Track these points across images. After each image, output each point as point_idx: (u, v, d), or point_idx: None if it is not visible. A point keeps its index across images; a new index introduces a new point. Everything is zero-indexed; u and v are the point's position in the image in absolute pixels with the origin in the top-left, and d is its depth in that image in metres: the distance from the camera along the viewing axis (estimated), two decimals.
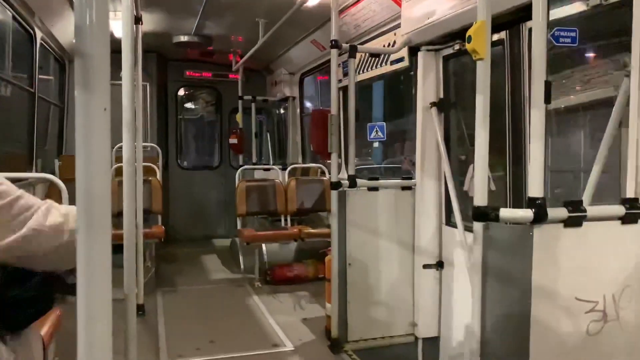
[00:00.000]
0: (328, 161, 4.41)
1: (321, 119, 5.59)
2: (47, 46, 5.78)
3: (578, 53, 3.25)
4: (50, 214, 1.37)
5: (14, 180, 3.52)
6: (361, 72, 5.22)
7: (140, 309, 4.53)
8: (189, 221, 8.86)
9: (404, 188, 4.41)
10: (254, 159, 8.23)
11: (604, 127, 2.64)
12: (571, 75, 3.35)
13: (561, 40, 2.53)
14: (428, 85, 4.22)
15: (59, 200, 3.86)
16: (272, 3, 5.39)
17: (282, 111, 9.26)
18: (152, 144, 7.28)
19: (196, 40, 7.08)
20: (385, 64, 4.80)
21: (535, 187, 2.16)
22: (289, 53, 7.45)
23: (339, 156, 4.63)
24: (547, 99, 2.11)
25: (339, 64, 4.62)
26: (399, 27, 4.28)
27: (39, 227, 1.33)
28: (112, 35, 0.85)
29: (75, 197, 0.79)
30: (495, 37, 3.40)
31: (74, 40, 0.82)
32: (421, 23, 3.89)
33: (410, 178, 4.45)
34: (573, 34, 2.53)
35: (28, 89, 5.25)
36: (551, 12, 2.52)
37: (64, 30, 5.91)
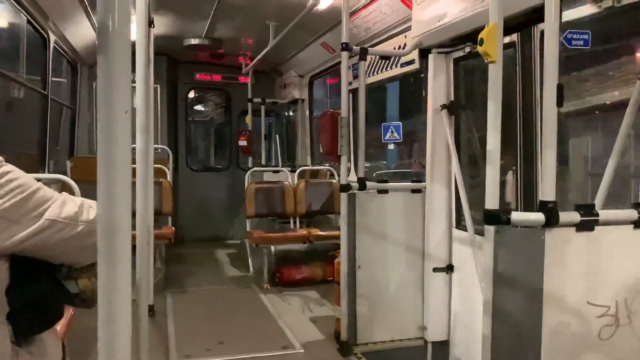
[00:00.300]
0: (337, 163, 4.42)
1: (331, 121, 5.60)
2: (59, 49, 5.84)
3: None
4: (66, 204, 1.40)
5: None
6: (371, 74, 5.23)
7: (150, 309, 4.56)
8: (198, 222, 8.90)
9: (413, 191, 4.40)
10: (263, 161, 8.26)
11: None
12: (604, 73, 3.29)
13: (573, 42, 2.53)
14: (438, 88, 4.21)
15: None
16: (282, 6, 5.41)
17: (291, 113, 9.29)
18: (163, 146, 7.33)
19: (207, 43, 7.13)
20: (396, 66, 4.80)
21: (547, 191, 2.15)
22: (298, 56, 7.47)
23: (349, 159, 4.63)
24: (560, 102, 2.11)
25: (349, 67, 4.63)
26: (410, 29, 4.28)
27: (55, 217, 1.36)
28: None
29: (97, 198, 0.81)
30: (507, 39, 3.39)
31: (96, 42, 0.83)
32: (432, 25, 3.89)
33: (420, 181, 4.44)
34: (585, 37, 2.52)
35: (41, 91, 5.31)
36: (564, 13, 2.52)
37: (77, 33, 5.97)
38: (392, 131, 4.58)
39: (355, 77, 4.94)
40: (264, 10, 5.73)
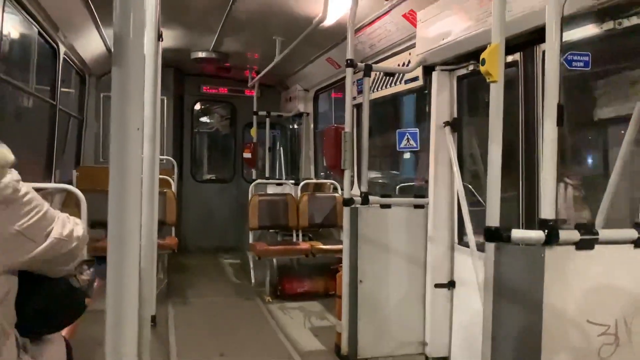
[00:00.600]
0: (341, 177, 4.45)
1: (335, 135, 5.65)
2: (69, 60, 5.93)
3: None
4: (65, 224, 1.54)
5: (35, 190, 3.60)
6: (376, 89, 5.28)
7: (152, 319, 4.57)
8: (201, 233, 8.92)
9: (416, 206, 4.42)
10: (267, 173, 8.31)
11: None
12: None
13: (574, 64, 2.57)
14: (442, 105, 4.25)
15: (77, 209, 3.94)
16: (289, 22, 5.49)
17: (295, 126, 9.35)
18: (168, 157, 7.39)
19: (214, 57, 7.22)
20: (400, 82, 4.86)
21: (547, 209, 2.18)
22: (304, 70, 7.55)
23: (352, 172, 4.65)
24: (560, 122, 2.14)
25: (354, 82, 4.68)
26: (414, 46, 4.34)
27: (59, 236, 1.50)
28: None
29: (108, 208, 0.85)
30: (510, 58, 3.44)
31: (105, 54, 0.88)
32: (436, 43, 3.95)
33: (423, 196, 4.47)
34: (586, 58, 2.57)
35: (50, 101, 5.38)
36: (566, 33, 2.56)
37: (86, 45, 6.07)
38: (408, 138, 4.43)
39: (360, 92, 4.99)
40: (271, 25, 5.82)
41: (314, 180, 7.84)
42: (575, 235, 2.25)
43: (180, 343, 4.67)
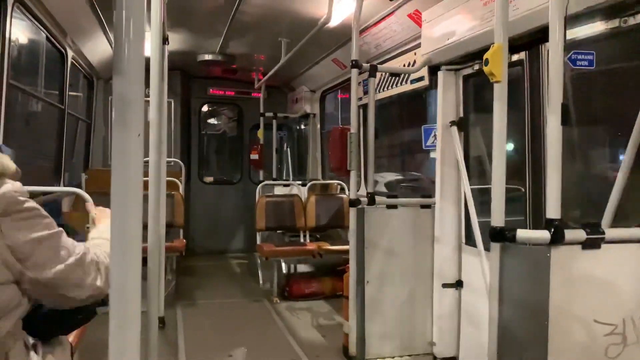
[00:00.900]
0: (347, 178, 4.45)
1: (340, 136, 5.64)
2: (77, 64, 5.99)
3: None
4: (75, 245, 1.52)
5: (43, 193, 3.63)
6: (381, 90, 5.28)
7: (160, 321, 4.60)
8: (208, 235, 8.96)
9: (423, 206, 4.42)
10: (274, 175, 8.33)
11: None
12: None
13: (578, 63, 2.56)
14: (448, 104, 4.25)
15: (85, 212, 3.98)
16: (294, 23, 5.51)
17: (302, 127, 9.37)
18: (176, 159, 7.43)
19: (220, 59, 7.25)
20: (405, 82, 4.86)
21: (552, 209, 2.17)
22: (310, 71, 7.56)
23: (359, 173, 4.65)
24: (565, 121, 2.14)
25: (360, 83, 4.68)
26: (419, 46, 4.34)
27: (81, 255, 1.50)
28: None
29: (110, 213, 0.86)
30: (515, 57, 3.43)
31: (112, 61, 0.89)
32: (441, 43, 3.94)
33: (430, 196, 4.46)
34: (590, 57, 2.55)
35: (58, 105, 5.44)
36: (570, 31, 2.55)
37: (94, 49, 6.13)
38: (435, 135, 4.24)
39: (366, 92, 5.00)
40: (276, 27, 5.84)
41: (321, 181, 7.85)
42: (582, 234, 2.24)
43: (189, 344, 4.70)
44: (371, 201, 4.22)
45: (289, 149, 9.88)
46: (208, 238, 8.94)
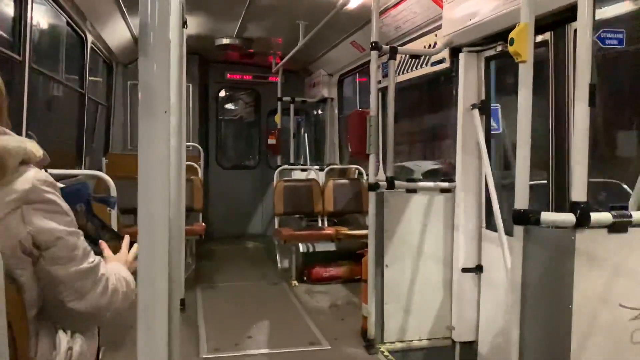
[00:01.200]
0: (366, 162, 4.43)
1: (359, 120, 5.60)
2: (96, 49, 6.02)
3: None
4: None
5: (66, 177, 3.69)
6: (401, 73, 5.21)
7: (181, 303, 4.66)
8: (227, 219, 9.04)
9: (443, 190, 4.38)
10: (292, 160, 8.33)
11: None
12: None
13: (607, 42, 2.48)
14: (469, 87, 4.18)
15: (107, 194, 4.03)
16: (312, 5, 5.45)
17: (320, 112, 9.33)
18: (194, 144, 7.47)
19: (237, 43, 7.23)
20: (426, 65, 4.79)
21: (578, 191, 2.13)
22: (328, 54, 7.50)
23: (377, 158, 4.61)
24: (592, 102, 2.08)
25: (379, 65, 4.63)
26: (440, 28, 4.25)
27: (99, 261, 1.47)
28: None
29: (138, 192, 0.86)
30: (539, 38, 3.34)
31: (131, 43, 0.88)
32: (463, 24, 3.86)
33: (450, 180, 4.42)
34: (620, 36, 2.48)
35: (79, 90, 5.49)
36: (599, 11, 2.47)
37: (113, 34, 6.15)
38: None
39: (385, 75, 4.94)
40: (294, 10, 5.79)
41: (339, 166, 7.83)
42: (608, 217, 2.20)
43: (209, 326, 4.76)
44: (390, 185, 4.20)
45: (306, 134, 9.86)
46: (226, 222, 9.01)
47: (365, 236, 4.48)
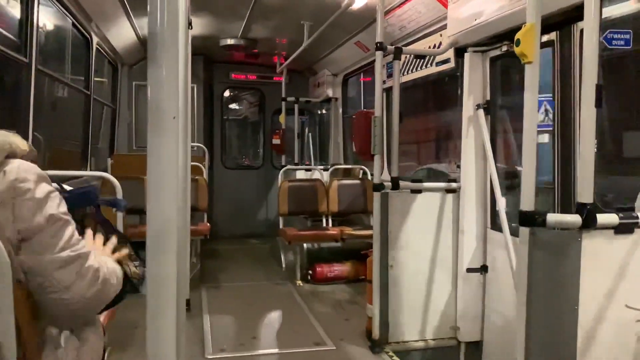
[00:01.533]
0: (371, 162, 4.42)
1: (364, 120, 5.59)
2: (101, 50, 6.05)
3: None
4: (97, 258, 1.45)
5: (71, 178, 3.70)
6: (406, 73, 5.21)
7: (187, 303, 4.68)
8: (232, 219, 9.05)
9: (448, 191, 4.37)
10: (296, 160, 8.33)
11: None
12: None
13: (614, 42, 2.47)
14: (474, 87, 4.17)
15: (113, 196, 4.05)
16: (317, 6, 5.45)
17: (324, 112, 9.33)
18: (199, 144, 7.49)
19: (242, 43, 7.24)
20: (431, 65, 4.78)
21: (584, 192, 2.13)
22: (332, 54, 7.50)
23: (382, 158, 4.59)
24: (598, 103, 2.08)
25: (383, 65, 4.63)
26: (445, 28, 4.25)
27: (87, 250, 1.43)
28: None
29: (147, 195, 0.87)
30: (545, 37, 3.34)
31: (148, 49, 0.89)
32: (468, 24, 3.86)
33: (455, 180, 4.42)
34: (627, 36, 2.47)
35: (84, 91, 5.51)
36: (605, 10, 2.46)
37: (118, 35, 6.17)
38: (545, 110, 3.39)
39: (390, 75, 4.93)
40: (299, 10, 5.79)
41: (344, 166, 7.83)
42: (614, 219, 2.19)
43: (214, 326, 4.78)
44: (395, 185, 4.20)
45: (310, 134, 9.86)
46: (231, 222, 9.03)
47: (370, 236, 4.48)
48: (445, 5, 4.25)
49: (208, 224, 6.49)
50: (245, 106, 10.32)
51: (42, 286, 1.33)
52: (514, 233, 3.41)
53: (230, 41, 7.25)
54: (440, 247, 4.35)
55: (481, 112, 4.09)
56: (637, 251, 2.26)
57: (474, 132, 4.16)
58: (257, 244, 8.70)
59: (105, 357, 1.79)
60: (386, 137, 5.06)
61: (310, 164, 8.96)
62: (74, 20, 4.83)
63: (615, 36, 2.48)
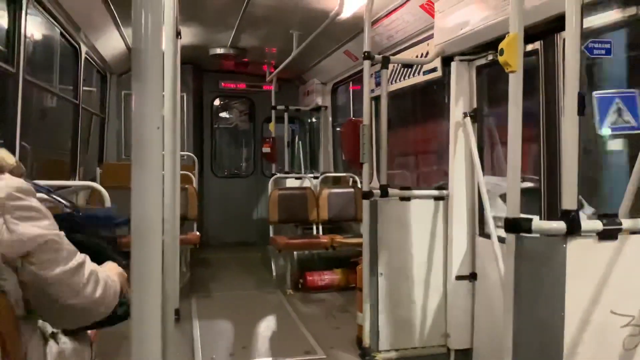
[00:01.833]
0: (360, 170, 4.45)
1: (353, 129, 5.62)
2: (90, 60, 6.04)
3: None
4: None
5: (59, 188, 3.68)
6: (394, 81, 5.26)
7: (175, 313, 4.65)
8: (222, 227, 9.03)
9: (436, 198, 4.40)
10: (287, 168, 8.34)
11: None
12: None
13: (595, 52, 2.52)
14: (461, 95, 4.22)
15: (101, 205, 4.03)
16: (306, 15, 5.49)
17: (314, 120, 9.37)
18: (189, 153, 7.48)
19: (231, 53, 7.27)
20: (418, 74, 4.83)
21: (568, 199, 2.15)
22: (321, 63, 7.54)
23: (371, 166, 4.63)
24: (580, 111, 2.11)
25: (372, 74, 4.66)
26: (432, 37, 4.30)
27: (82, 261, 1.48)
28: None
29: (131, 205, 0.87)
30: (530, 47, 3.39)
31: (125, 54, 0.90)
32: (454, 34, 3.91)
33: (443, 188, 4.44)
34: (607, 46, 2.51)
35: (73, 100, 5.49)
36: (586, 20, 2.51)
37: (107, 44, 6.17)
38: (619, 109, 2.53)
39: (378, 84, 4.97)
40: (288, 20, 5.83)
41: (334, 174, 7.85)
42: (598, 225, 2.22)
43: (204, 336, 4.75)
44: (384, 193, 4.22)
45: (300, 142, 9.89)
46: (221, 231, 9.01)
47: (361, 244, 4.49)
48: (432, 15, 4.30)
49: (198, 233, 6.47)
50: (235, 115, 10.33)
51: (54, 294, 1.38)
52: (502, 240, 3.44)
53: (219, 50, 7.28)
54: (430, 255, 4.37)
55: (468, 119, 4.13)
56: (621, 257, 2.29)
57: (461, 139, 4.20)
58: (248, 253, 8.67)
59: None
60: (375, 145, 5.09)
61: (300, 172, 8.97)
62: (62, 30, 4.83)
63: (597, 45, 2.53)
